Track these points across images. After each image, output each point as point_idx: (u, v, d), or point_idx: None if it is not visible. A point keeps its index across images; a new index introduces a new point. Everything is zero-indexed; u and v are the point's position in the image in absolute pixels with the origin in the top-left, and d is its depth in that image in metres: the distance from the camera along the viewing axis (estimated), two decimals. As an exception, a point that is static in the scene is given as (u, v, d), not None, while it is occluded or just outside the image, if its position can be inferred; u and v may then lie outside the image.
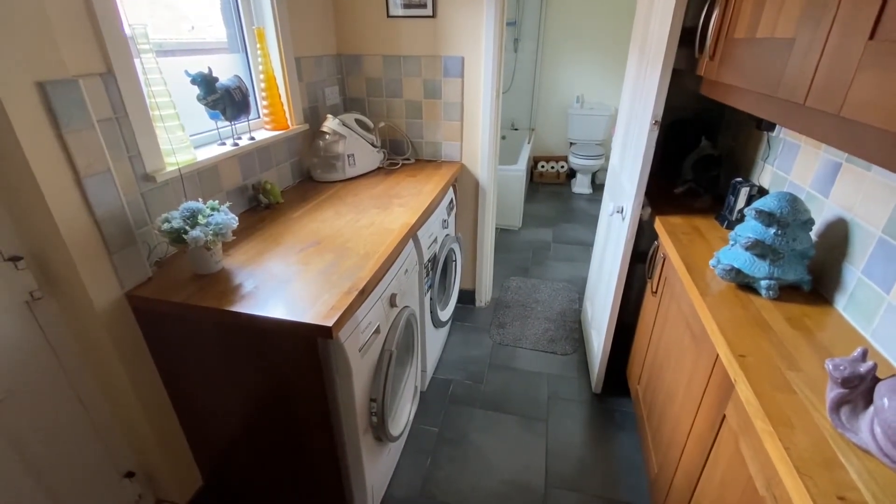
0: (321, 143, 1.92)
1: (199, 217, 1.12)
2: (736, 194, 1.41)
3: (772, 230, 1.04)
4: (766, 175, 1.42)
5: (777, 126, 1.36)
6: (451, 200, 2.12)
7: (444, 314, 2.06)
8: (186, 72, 1.36)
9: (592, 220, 3.90)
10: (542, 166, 4.90)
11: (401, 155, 2.28)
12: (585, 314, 2.38)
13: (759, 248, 1.05)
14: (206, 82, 1.38)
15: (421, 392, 1.97)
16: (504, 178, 3.52)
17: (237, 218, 1.21)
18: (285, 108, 1.81)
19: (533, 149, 4.94)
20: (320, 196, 1.78)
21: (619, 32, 4.29)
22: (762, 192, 1.39)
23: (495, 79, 2.07)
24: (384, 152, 2.18)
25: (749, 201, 1.40)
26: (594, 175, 4.73)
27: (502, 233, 3.68)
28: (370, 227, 1.49)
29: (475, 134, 2.19)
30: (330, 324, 0.98)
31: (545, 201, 4.40)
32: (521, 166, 3.52)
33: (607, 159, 4.69)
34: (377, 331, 1.25)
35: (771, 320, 1.00)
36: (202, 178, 1.42)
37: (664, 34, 1.33)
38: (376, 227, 1.49)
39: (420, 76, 2.13)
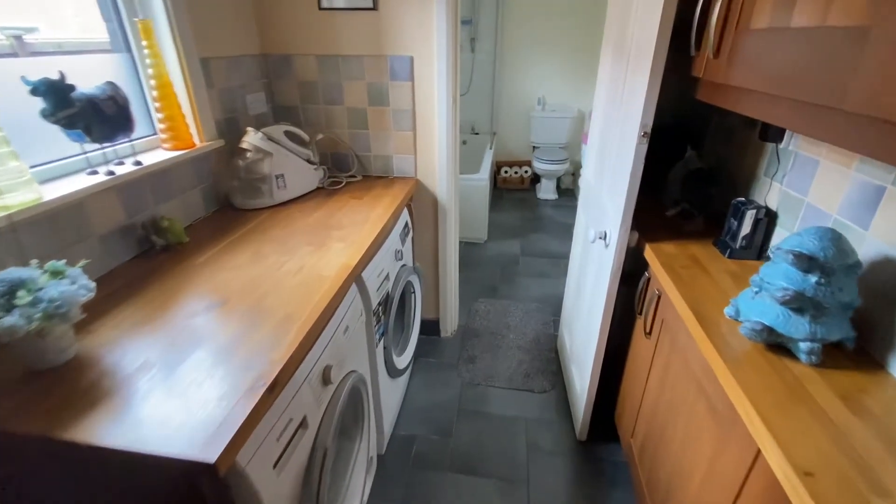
0: (241, 162, 1.56)
1: (22, 293, 0.76)
2: (739, 217, 1.18)
3: (812, 278, 0.80)
4: (773, 194, 1.20)
5: (786, 136, 1.14)
6: (406, 224, 1.81)
7: (403, 360, 1.75)
8: (24, 79, 0.99)
9: (561, 229, 3.70)
10: (506, 171, 4.67)
11: (345, 171, 1.95)
12: (562, 343, 2.13)
13: (797, 302, 0.81)
14: (54, 92, 1.01)
15: (379, 456, 1.66)
16: (467, 189, 3.25)
17: (93, 285, 0.85)
18: (190, 121, 1.45)
19: (495, 154, 4.70)
20: (239, 230, 1.43)
21: (581, 30, 4.12)
22: (770, 214, 1.17)
23: (451, 82, 1.78)
24: (324, 169, 1.85)
25: (756, 226, 1.17)
26: (559, 180, 4.54)
27: (467, 246, 3.40)
28: (298, 273, 1.17)
29: (431, 145, 1.90)
30: (213, 458, 0.65)
31: (511, 209, 4.16)
32: (484, 175, 3.26)
33: (573, 163, 4.52)
34: (303, 424, 0.92)
35: (821, 398, 0.76)
36: (57, 224, 1.04)
37: (651, 32, 1.08)
38: (306, 273, 1.17)
39: (363, 79, 1.81)
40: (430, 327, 2.32)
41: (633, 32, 1.27)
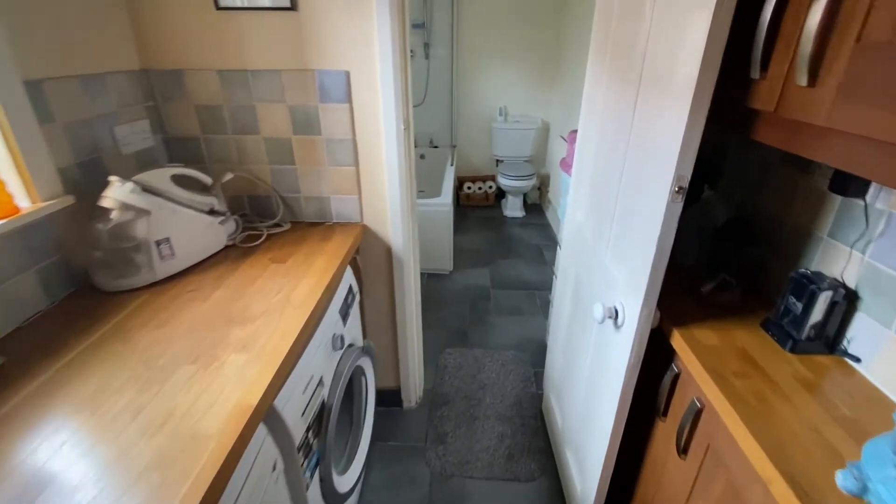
0: (102, 226, 1.09)
1: None
2: (807, 298, 0.85)
3: None
4: (852, 267, 0.87)
5: (872, 189, 0.82)
6: (351, 288, 1.39)
7: (349, 478, 1.32)
8: None
9: (532, 253, 3.37)
10: (469, 187, 4.32)
11: (267, 218, 1.51)
12: (550, 411, 1.77)
13: None
14: None
15: None
16: (428, 216, 2.85)
17: None
18: (7, 174, 0.97)
19: (457, 168, 4.34)
20: (92, 333, 0.96)
21: (543, 35, 3.83)
22: (850, 296, 0.85)
23: (401, 103, 1.38)
24: (236, 220, 1.39)
25: (831, 310, 0.84)
26: (526, 195, 4.24)
27: (431, 279, 3.01)
28: (160, 430, 0.73)
29: (379, 183, 1.49)
30: None
31: (476, 230, 3.80)
32: (447, 199, 2.87)
33: (539, 177, 4.22)
34: None
35: None
36: None
37: (691, 53, 0.73)
38: (174, 429, 0.73)
39: (283, 101, 1.37)
40: (390, 398, 1.90)
41: (648, 49, 0.92)
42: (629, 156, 1.01)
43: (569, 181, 1.76)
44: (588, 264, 1.32)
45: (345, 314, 1.30)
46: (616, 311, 1.05)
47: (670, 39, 0.82)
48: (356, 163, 1.45)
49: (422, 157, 4.28)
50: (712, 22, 0.68)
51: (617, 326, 1.05)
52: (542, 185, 4.30)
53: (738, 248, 1.03)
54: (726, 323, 0.99)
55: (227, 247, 1.36)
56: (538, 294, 2.80)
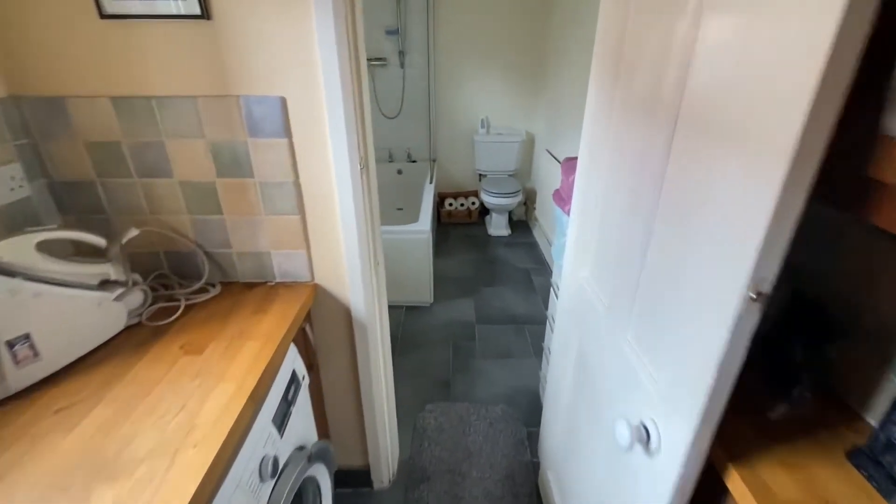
0: (-82, 327, 0.76)
1: None
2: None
3: None
4: None
5: None
6: (294, 376, 1.08)
7: None
8: None
9: (519, 279, 3.09)
10: (450, 204, 4.03)
11: (192, 279, 1.19)
12: (549, 492, 1.48)
13: None
14: None
15: None
16: (405, 244, 2.55)
17: None
18: None
19: (437, 184, 4.05)
20: None
21: (525, 41, 3.58)
22: None
23: (357, 135, 1.08)
24: (143, 290, 1.07)
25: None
26: (511, 212, 3.97)
27: (410, 313, 2.70)
28: None
29: (332, 233, 1.18)
30: None
31: (459, 251, 3.51)
32: (425, 225, 2.58)
33: (525, 194, 3.96)
34: None
35: None
36: None
37: (797, 88, 0.45)
38: None
39: (201, 136, 1.06)
40: (358, 478, 1.59)
41: (694, 75, 0.64)
42: (660, 226, 0.74)
43: (564, 219, 1.48)
44: (597, 343, 1.03)
45: (284, 416, 0.99)
46: (647, 432, 0.77)
47: (743, 62, 0.54)
48: (301, 211, 1.15)
49: (399, 172, 3.98)
50: (837, 37, 0.40)
51: (649, 452, 0.77)
52: (529, 201, 4.04)
53: (808, 345, 0.76)
54: (800, 451, 0.71)
55: (129, 327, 1.04)
56: (528, 330, 2.52)
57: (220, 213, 1.15)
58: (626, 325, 0.88)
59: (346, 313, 1.29)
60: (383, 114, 3.86)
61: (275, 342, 0.99)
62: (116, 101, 1.02)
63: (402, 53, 3.62)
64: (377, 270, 1.31)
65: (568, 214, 1.43)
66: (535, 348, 2.36)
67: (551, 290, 1.78)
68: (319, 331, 1.32)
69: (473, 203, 4.05)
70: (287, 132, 1.06)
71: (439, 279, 3.02)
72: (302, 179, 1.12)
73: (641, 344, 0.83)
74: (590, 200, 1.10)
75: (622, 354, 0.90)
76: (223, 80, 1.01)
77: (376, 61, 3.62)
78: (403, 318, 2.64)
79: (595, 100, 1.05)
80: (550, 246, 3.17)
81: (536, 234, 3.73)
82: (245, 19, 0.96)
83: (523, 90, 3.78)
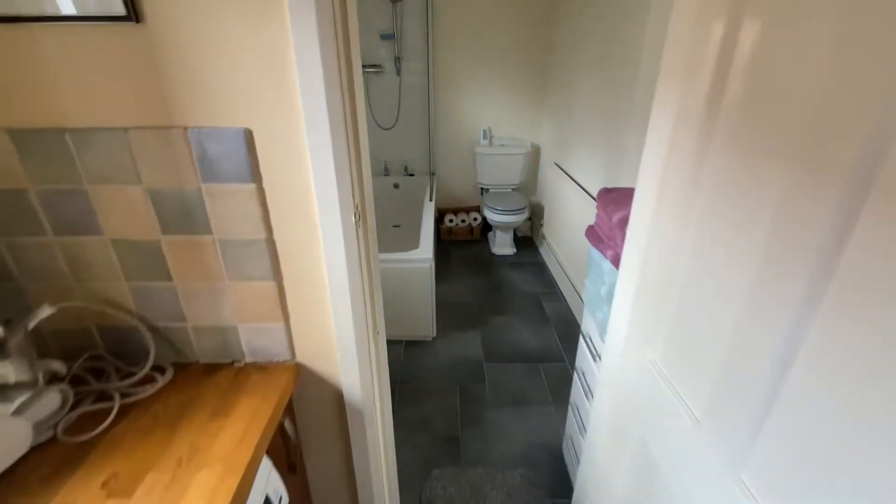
0: None
1: None
2: None
3: None
4: None
5: None
6: (268, 501, 0.80)
7: None
8: None
9: (529, 306, 2.83)
10: (451, 220, 3.76)
11: (134, 363, 0.90)
12: None
13: None
14: None
15: None
16: (404, 274, 2.28)
17: None
18: None
19: (437, 199, 3.78)
20: None
21: (530, 47, 3.32)
22: None
23: (351, 176, 0.80)
24: (62, 391, 0.78)
25: None
26: (515, 229, 3.71)
27: (410, 348, 2.42)
28: None
29: (319, 302, 0.90)
30: None
31: (461, 273, 3.24)
32: (426, 252, 2.30)
33: (532, 209, 3.70)
34: None
35: None
36: None
37: None
38: None
39: (138, 180, 0.78)
40: (354, 581, 1.30)
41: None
42: (829, 331, 0.47)
43: (603, 264, 1.21)
44: (678, 458, 0.76)
45: (250, 576, 0.71)
46: None
47: None
48: (277, 275, 0.87)
49: (395, 186, 3.71)
50: None
51: None
52: (535, 217, 3.78)
53: None
54: None
55: (38, 447, 0.75)
56: (544, 370, 2.25)
57: (169, 278, 0.86)
58: (738, 461, 0.61)
59: (338, 397, 1.01)
60: (378, 125, 3.59)
61: (238, 470, 0.71)
62: (16, 134, 0.74)
63: (398, 60, 3.36)
64: (376, 341, 1.03)
65: (609, 260, 1.16)
66: (554, 393, 2.09)
67: (580, 338, 1.51)
68: (304, 421, 1.03)
69: (475, 219, 3.78)
70: (255, 175, 0.78)
71: (441, 307, 2.75)
72: (277, 236, 0.84)
73: (773, 496, 0.56)
74: (658, 261, 0.83)
75: (729, 494, 0.63)
76: (164, 107, 0.73)
77: (371, 68, 3.35)
78: (403, 356, 2.36)
79: (669, 129, 0.79)
80: (560, 266, 2.91)
81: (544, 253, 3.47)
82: (191, 22, 0.68)
83: (528, 99, 3.53)
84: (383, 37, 3.29)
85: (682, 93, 0.74)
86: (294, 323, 0.92)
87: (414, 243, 2.46)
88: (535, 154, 3.69)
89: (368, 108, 3.51)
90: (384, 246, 3.52)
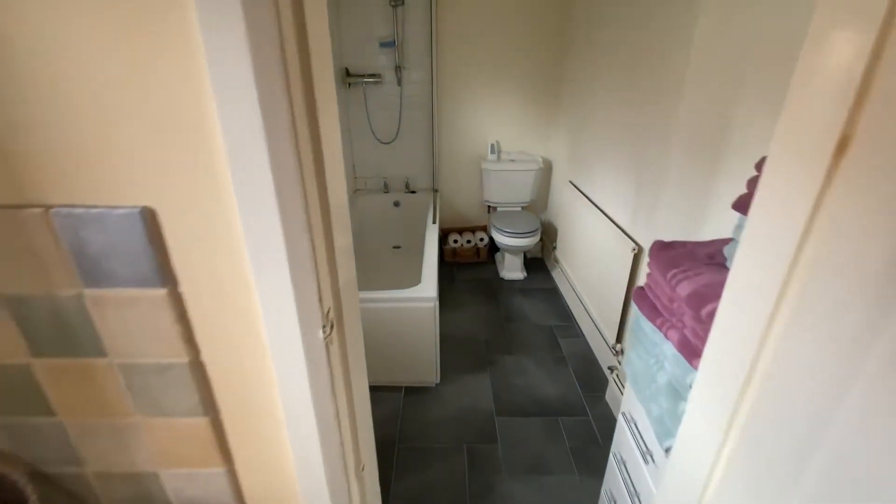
0: None
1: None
2: None
3: None
4: None
5: None
6: None
7: None
8: None
9: (543, 340, 2.54)
10: (456, 241, 3.48)
11: (11, 528, 0.62)
12: None
13: None
14: None
15: None
16: (405, 314, 2.00)
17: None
18: None
19: (441, 217, 3.50)
20: None
21: (541, 51, 3.05)
22: None
23: (318, 269, 0.52)
24: None
25: None
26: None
27: (411, 396, 2.14)
28: None
29: (274, 442, 0.62)
30: None
31: (466, 301, 2.95)
32: (430, 290, 2.02)
33: (543, 229, 3.42)
34: None
35: None
36: None
37: None
38: None
39: (-14, 284, 0.51)
40: None
41: None
42: None
43: (654, 336, 0.93)
44: None
45: None
46: None
47: None
48: (210, 408, 0.59)
49: (396, 204, 3.44)
50: None
51: None
52: (546, 237, 3.50)
53: None
54: None
55: None
56: (563, 424, 1.97)
57: (51, 413, 0.59)
58: None
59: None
60: (377, 139, 3.32)
61: None
62: None
63: (399, 69, 3.09)
64: (361, 477, 0.74)
65: (675, 346, 0.88)
66: (577, 458, 1.80)
67: (620, 418, 1.23)
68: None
69: (482, 239, 3.50)
70: (164, 276, 0.50)
71: (446, 341, 2.47)
72: (208, 358, 0.56)
73: None
74: (786, 405, 0.54)
75: None
76: (11, 177, 0.46)
77: (369, 78, 3.09)
78: (402, 407, 2.08)
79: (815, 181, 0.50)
80: (576, 293, 2.62)
81: (557, 277, 3.19)
82: (48, 41, 0.41)
83: (539, 111, 3.25)
84: (383, 44, 3.02)
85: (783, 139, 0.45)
86: (241, 467, 0.64)
87: (415, 274, 2.18)
88: (546, 170, 3.41)
89: (367, 122, 3.24)
90: (382, 274, 3.23)
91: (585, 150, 2.63)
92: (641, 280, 1.92)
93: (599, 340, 2.32)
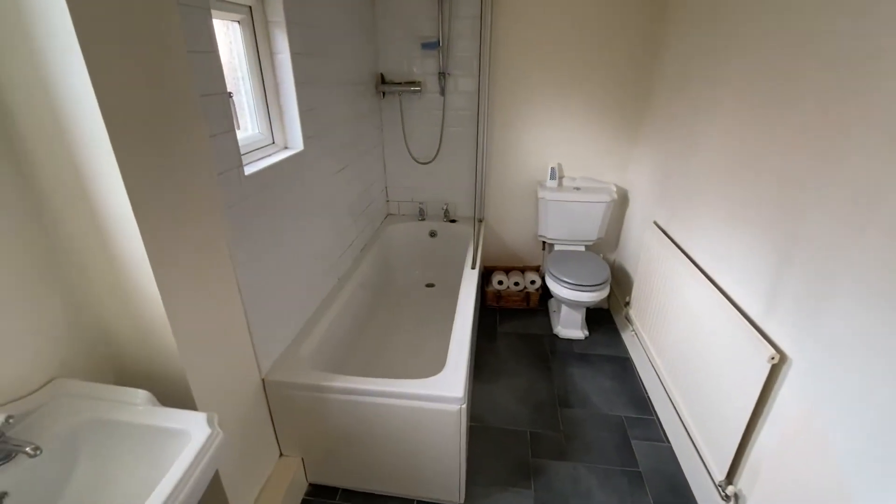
0: None
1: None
2: None
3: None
4: None
5: None
6: None
7: None
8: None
9: (609, 434, 1.87)
10: (501, 282, 2.87)
11: None
12: None
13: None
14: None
15: None
16: (419, 416, 1.44)
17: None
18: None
19: (485, 254, 2.92)
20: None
21: (623, 60, 2.39)
22: None
23: None
24: None
25: None
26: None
27: (423, 518, 1.58)
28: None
29: None
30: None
31: (509, 368, 2.34)
32: (457, 388, 1.43)
33: (614, 279, 2.73)
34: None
35: None
36: None
37: None
38: None
39: None
40: None
41: None
42: None
43: None
44: None
45: None
46: None
47: None
48: None
49: (432, 234, 2.90)
50: None
51: None
52: (615, 286, 2.80)
53: None
54: None
55: None
56: None
57: None
58: None
59: None
60: (414, 158, 2.80)
61: None
62: None
63: (443, 75, 2.55)
64: None
65: None
66: None
67: None
68: None
69: (533, 282, 2.87)
70: None
71: (477, 430, 1.89)
72: None
73: None
74: None
75: None
76: None
77: (407, 86, 2.57)
78: (411, 535, 1.52)
79: None
80: (657, 372, 1.92)
81: (630, 343, 2.49)
82: None
83: (617, 131, 2.58)
84: (425, 45, 2.50)
85: None
86: None
87: (444, 329, 1.61)
88: (620, 202, 2.72)
89: (402, 137, 2.73)
90: (407, 319, 2.60)
91: (684, 189, 1.93)
92: (783, 406, 1.23)
93: (695, 461, 1.63)
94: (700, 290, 1.64)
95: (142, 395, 0.91)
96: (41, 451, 0.75)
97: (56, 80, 0.78)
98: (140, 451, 0.86)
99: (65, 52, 0.76)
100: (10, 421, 0.74)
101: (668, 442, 1.87)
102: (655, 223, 2.21)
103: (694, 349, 1.66)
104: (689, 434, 1.68)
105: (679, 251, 1.88)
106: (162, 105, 0.94)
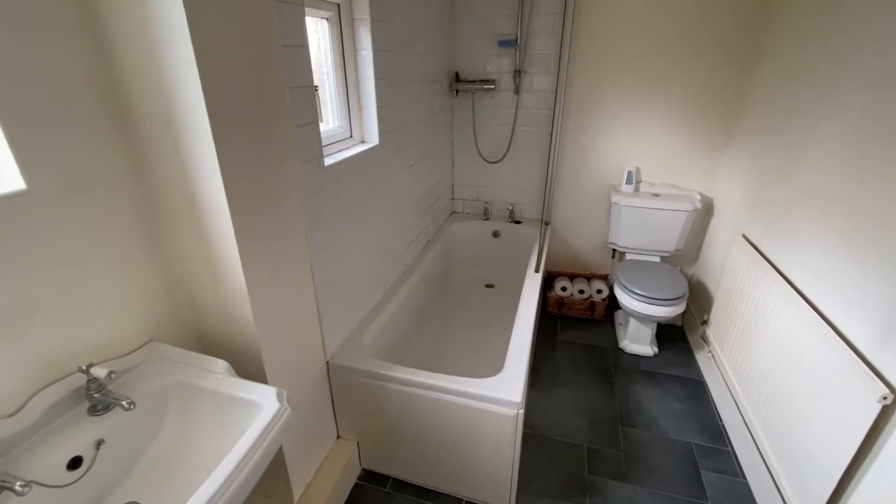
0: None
1: None
2: None
3: None
4: None
5: None
6: None
7: None
8: None
9: (676, 461, 1.73)
10: (564, 289, 2.77)
11: None
12: None
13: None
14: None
15: None
16: (474, 416, 1.42)
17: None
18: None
19: (549, 258, 2.83)
20: None
21: (714, 61, 2.19)
22: None
23: None
24: None
25: None
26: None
27: (470, 519, 1.56)
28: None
29: None
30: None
31: (568, 378, 2.24)
32: (515, 391, 1.40)
33: (691, 295, 2.53)
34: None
35: None
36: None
37: None
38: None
39: None
40: None
41: None
42: None
43: None
44: None
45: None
46: None
47: None
48: None
49: (495, 235, 2.87)
50: None
51: None
52: (692, 302, 2.59)
53: None
54: None
55: None
56: None
57: None
58: None
59: None
60: (482, 156, 2.78)
61: None
62: None
63: (518, 73, 2.50)
64: None
65: None
66: None
67: None
68: None
69: (600, 291, 2.74)
70: None
71: (530, 438, 1.83)
72: None
73: None
74: None
75: None
76: None
77: (481, 84, 2.56)
78: (458, 536, 1.50)
79: None
80: (735, 400, 1.74)
81: (704, 365, 2.29)
82: None
83: (704, 135, 2.38)
84: (502, 43, 2.47)
85: None
86: None
87: (503, 331, 1.58)
88: (705, 211, 2.52)
89: (472, 135, 2.72)
90: (465, 318, 2.58)
91: (783, 202, 1.74)
92: (895, 455, 1.06)
93: (766, 480, 1.47)
94: (795, 312, 1.46)
95: (222, 364, 0.98)
96: (135, 406, 0.83)
97: (167, 67, 0.86)
98: (217, 416, 0.92)
99: (177, 43, 0.83)
100: (112, 376, 0.82)
101: (745, 478, 1.69)
102: (744, 236, 2.01)
103: (783, 378, 1.48)
104: (770, 472, 1.51)
105: (772, 268, 1.69)
106: (255, 94, 1.00)
